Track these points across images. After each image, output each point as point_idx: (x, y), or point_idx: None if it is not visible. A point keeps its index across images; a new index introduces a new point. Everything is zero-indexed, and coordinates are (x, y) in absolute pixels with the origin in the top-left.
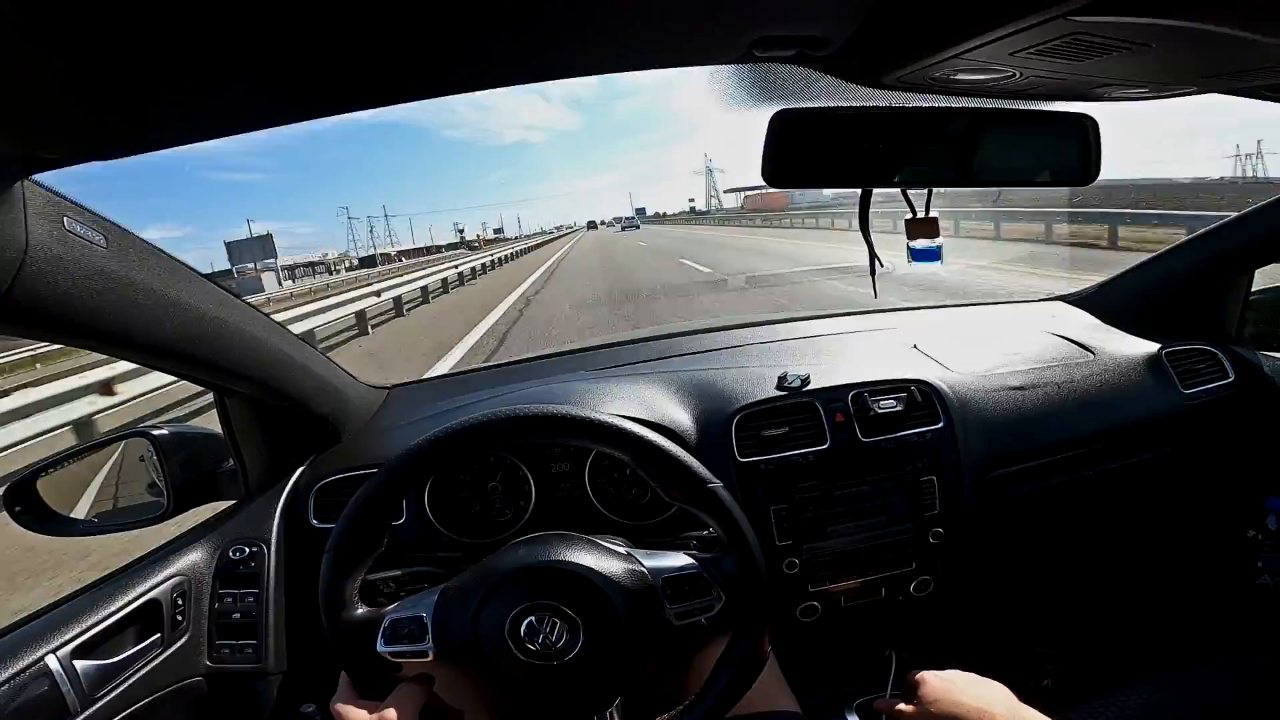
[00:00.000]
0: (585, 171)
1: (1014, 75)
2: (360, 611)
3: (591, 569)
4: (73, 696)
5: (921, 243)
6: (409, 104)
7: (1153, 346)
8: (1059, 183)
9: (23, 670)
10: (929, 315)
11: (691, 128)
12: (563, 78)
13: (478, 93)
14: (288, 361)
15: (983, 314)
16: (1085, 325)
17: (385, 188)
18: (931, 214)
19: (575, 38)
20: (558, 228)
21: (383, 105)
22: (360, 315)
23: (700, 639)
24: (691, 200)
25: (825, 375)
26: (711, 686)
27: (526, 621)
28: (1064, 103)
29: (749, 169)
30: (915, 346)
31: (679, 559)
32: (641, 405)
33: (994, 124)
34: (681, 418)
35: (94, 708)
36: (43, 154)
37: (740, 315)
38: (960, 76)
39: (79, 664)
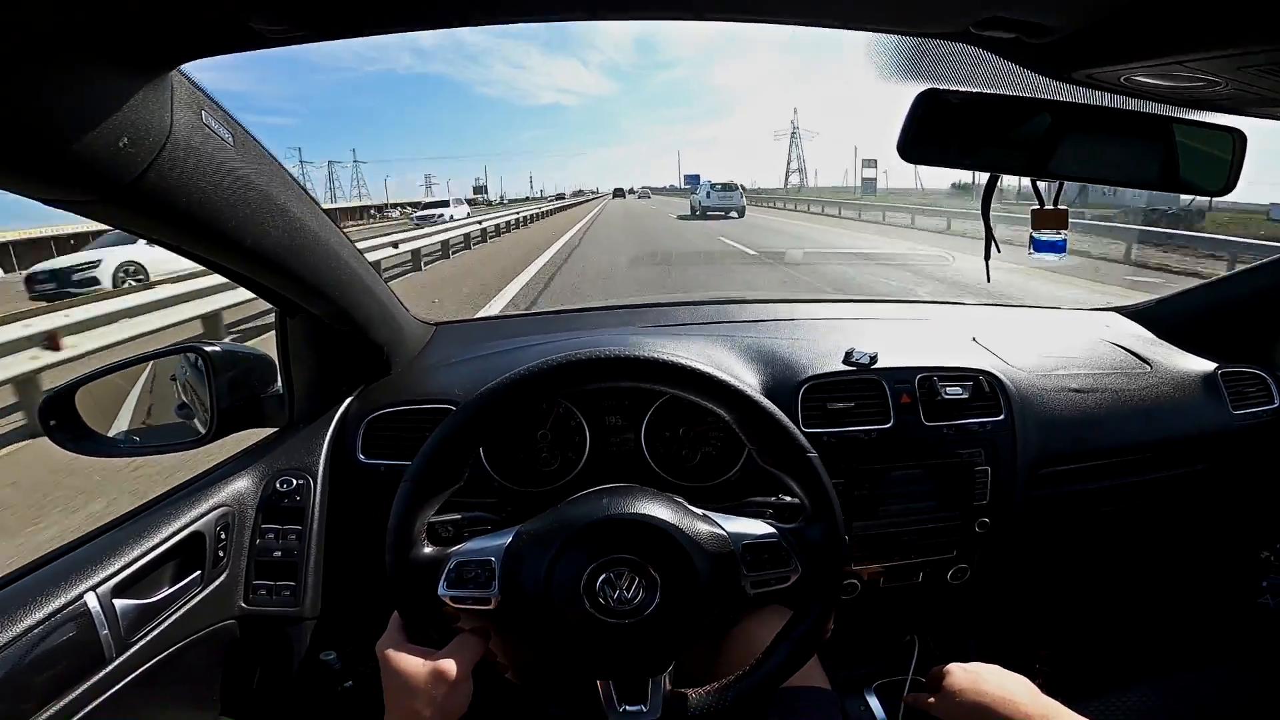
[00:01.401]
0: (617, 139)
1: (1214, 86)
2: (427, 550)
3: (677, 527)
4: (109, 641)
5: (1047, 234)
6: (447, 59)
7: (1209, 365)
8: (1194, 191)
9: (60, 609)
10: (985, 311)
11: (732, 102)
12: (770, 20)
13: (514, 53)
14: (360, 285)
15: (1039, 316)
16: (1141, 338)
17: (412, 137)
18: (1060, 206)
19: None
20: (577, 193)
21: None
22: None
23: (744, 610)
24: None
25: (891, 356)
26: (769, 658)
27: (604, 575)
28: (1240, 117)
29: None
30: (975, 339)
31: (760, 526)
32: (711, 364)
33: (1141, 126)
34: (750, 380)
35: (128, 653)
36: (193, 43)
37: (795, 291)
38: (1156, 81)
39: (118, 603)
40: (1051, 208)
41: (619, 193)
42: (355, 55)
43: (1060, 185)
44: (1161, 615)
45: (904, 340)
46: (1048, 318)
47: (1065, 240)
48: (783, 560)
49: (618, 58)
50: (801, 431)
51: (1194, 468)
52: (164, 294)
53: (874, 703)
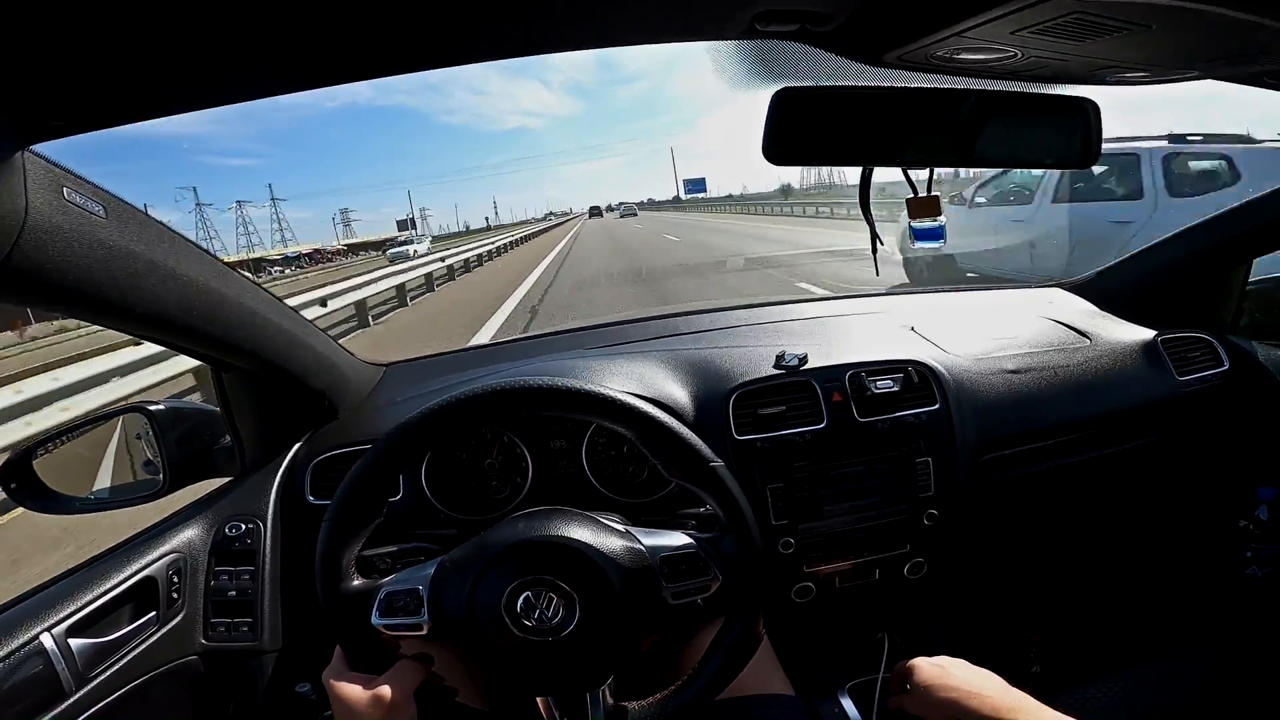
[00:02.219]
0: (585, 157)
1: (1016, 55)
2: (356, 583)
3: (589, 545)
4: (67, 675)
5: (924, 222)
6: (406, 89)
7: (1149, 333)
8: (1060, 165)
9: (17, 649)
10: (926, 299)
11: (695, 113)
12: (561, 50)
13: (475, 79)
14: (286, 336)
15: (980, 298)
16: (1083, 311)
17: (380, 171)
18: (932, 193)
19: (576, 11)
20: (552, 214)
21: (379, 76)
22: None
23: (695, 620)
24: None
25: (823, 355)
26: (704, 668)
27: (523, 596)
28: (1066, 85)
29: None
30: (912, 329)
31: (677, 538)
32: (640, 383)
33: (996, 105)
34: (679, 395)
35: (89, 687)
36: (41, 123)
37: (737, 297)
38: (962, 56)
39: (74, 642)
40: (925, 195)
41: (595, 212)
42: (314, 93)
43: (932, 173)
44: (1151, 594)
45: (837, 337)
46: (989, 300)
47: (943, 226)
48: (701, 570)
49: (580, 76)
50: (734, 439)
51: (1144, 439)
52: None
53: (847, 704)
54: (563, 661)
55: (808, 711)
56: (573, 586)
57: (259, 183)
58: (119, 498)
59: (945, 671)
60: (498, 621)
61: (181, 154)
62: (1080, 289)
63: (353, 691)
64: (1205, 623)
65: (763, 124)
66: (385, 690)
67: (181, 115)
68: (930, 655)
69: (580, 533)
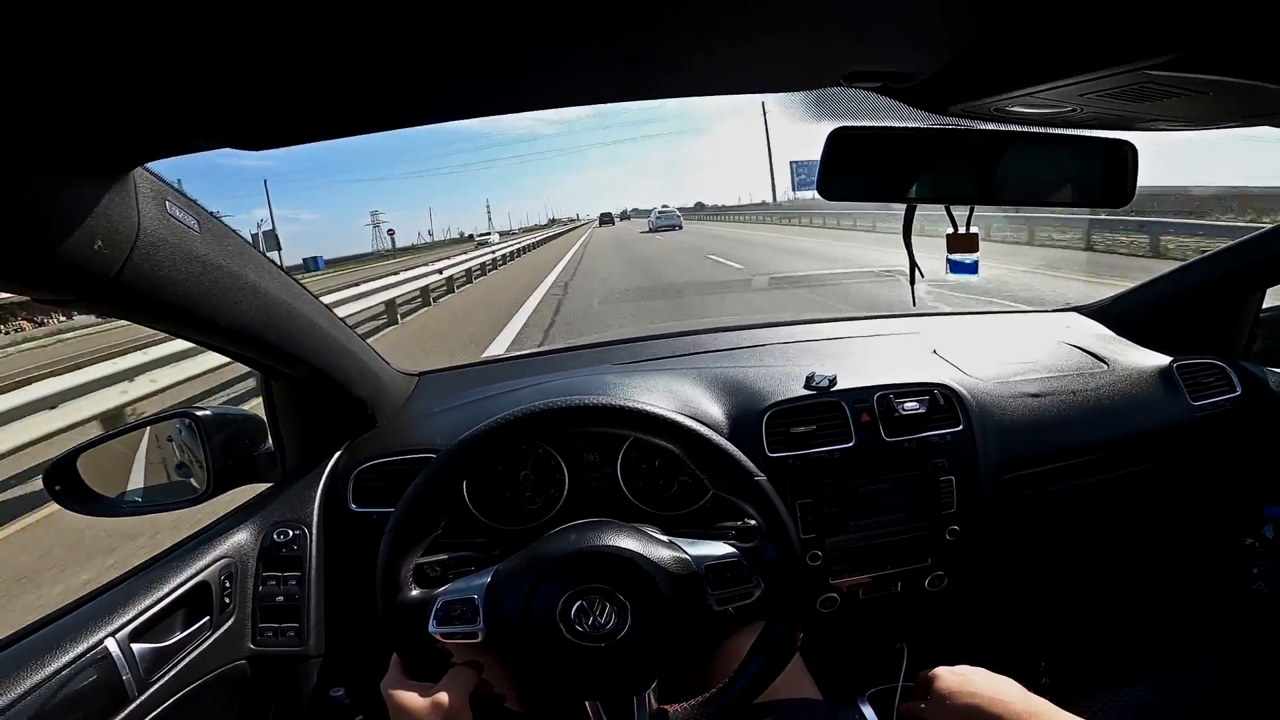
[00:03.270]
0: (601, 164)
1: (1074, 110)
2: (415, 593)
3: (640, 554)
4: (130, 681)
5: (961, 256)
6: None
7: (1164, 359)
8: (1094, 204)
9: (84, 654)
10: (948, 322)
11: (706, 121)
12: (655, 98)
13: None
14: (336, 345)
15: (1000, 322)
16: (1099, 336)
17: (393, 178)
18: (972, 230)
19: (672, 63)
20: (549, 223)
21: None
22: None
23: (731, 626)
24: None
25: (850, 377)
26: (744, 671)
27: (577, 604)
28: (1106, 130)
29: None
30: (935, 352)
31: (721, 548)
32: (676, 399)
33: (1038, 148)
34: (715, 412)
35: (149, 692)
36: (163, 139)
37: (763, 315)
38: (1023, 109)
39: (136, 647)
40: (964, 232)
41: (607, 219)
42: None
43: (971, 210)
44: (1157, 609)
45: (864, 359)
46: (1009, 323)
47: (977, 261)
48: (744, 578)
49: None
50: (766, 456)
51: (1158, 462)
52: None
53: (868, 711)
54: (614, 666)
55: (833, 716)
56: (625, 595)
57: (272, 180)
58: (161, 501)
59: (966, 679)
60: (553, 628)
61: (195, 160)
62: (1096, 314)
63: (412, 699)
64: (1212, 637)
65: (819, 160)
66: (444, 696)
67: None
68: (949, 665)
69: (630, 543)
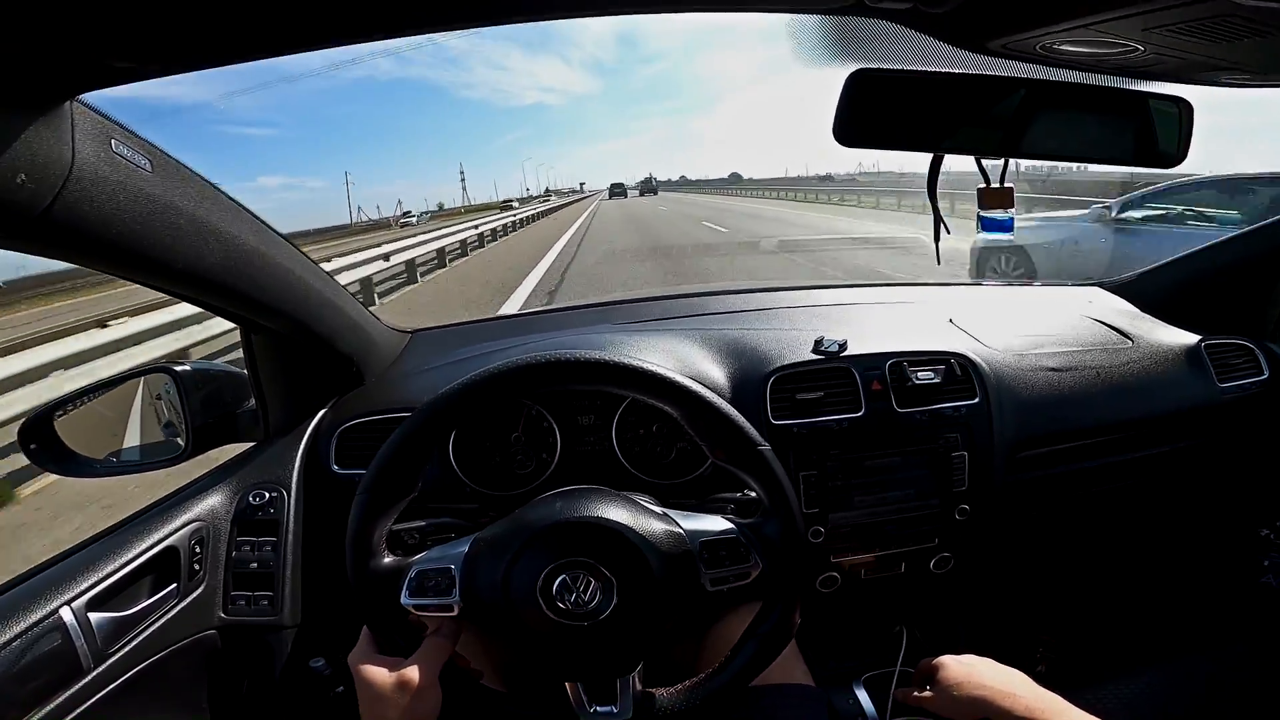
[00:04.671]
0: (606, 136)
1: (1135, 51)
2: (387, 560)
3: (629, 527)
4: (85, 652)
5: (994, 213)
6: (425, 63)
7: (1192, 338)
8: (1142, 163)
9: (36, 624)
10: (965, 291)
11: (716, 95)
12: (653, 11)
13: (496, 53)
14: (318, 298)
15: (1019, 294)
16: (1124, 312)
17: (398, 146)
18: (1006, 184)
19: None
20: (544, 195)
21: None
22: None
23: (722, 607)
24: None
25: (862, 342)
26: (737, 656)
27: (560, 578)
28: (1156, 83)
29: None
30: (951, 321)
31: (717, 522)
32: (675, 360)
33: (1088, 100)
34: (716, 375)
35: (106, 664)
36: (91, 69)
37: (769, 280)
38: (1072, 48)
39: (94, 616)
40: (997, 185)
41: (618, 190)
42: (331, 62)
43: (1006, 163)
44: (1163, 599)
45: (876, 325)
46: (1029, 295)
47: (1012, 218)
48: (742, 556)
49: (600, 54)
50: (770, 423)
51: (1180, 444)
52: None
53: (862, 695)
54: (597, 646)
55: (826, 702)
56: (611, 570)
57: (276, 152)
58: (141, 461)
59: (973, 670)
60: (533, 604)
61: (201, 123)
62: (1121, 289)
63: (379, 675)
64: (1215, 630)
65: (835, 104)
66: (412, 673)
67: (202, 85)
68: (948, 651)
69: (620, 514)
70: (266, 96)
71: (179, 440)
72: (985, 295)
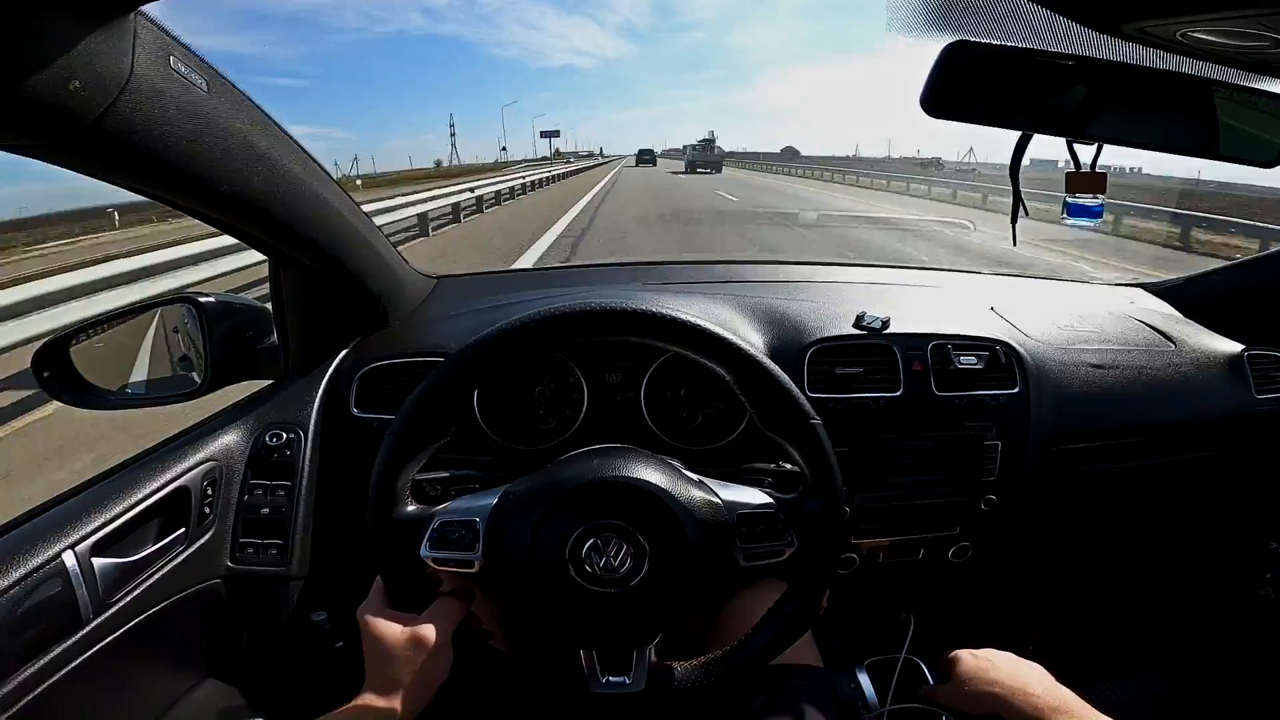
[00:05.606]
0: (638, 101)
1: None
2: (411, 509)
3: (669, 492)
4: (86, 600)
5: (1083, 198)
6: (457, 20)
7: (1235, 346)
8: (1241, 161)
9: (35, 570)
10: (1004, 281)
11: (753, 68)
12: None
13: (530, 13)
14: (354, 235)
15: (1059, 289)
16: (1166, 315)
17: (426, 100)
18: (1098, 169)
19: None
20: (544, 158)
21: None
22: None
23: (741, 582)
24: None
25: (904, 322)
26: (758, 634)
27: (590, 541)
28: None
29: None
30: (993, 309)
31: (757, 495)
32: (714, 323)
33: (1188, 89)
34: (755, 341)
35: (106, 614)
36: None
37: (809, 255)
38: (1212, 38)
39: (97, 562)
40: (1088, 171)
41: (646, 157)
42: (365, 16)
43: (1099, 148)
44: (1163, 604)
45: (918, 306)
46: (1069, 290)
47: (1103, 206)
48: (778, 533)
49: (635, 19)
50: (807, 395)
51: (1208, 452)
52: None
53: (864, 680)
54: (621, 615)
55: (832, 685)
56: (646, 536)
57: (306, 104)
58: (155, 394)
59: (989, 665)
60: (559, 566)
61: (233, 72)
62: (1164, 293)
63: (390, 631)
64: (1207, 638)
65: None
66: (425, 631)
67: (235, 33)
68: (953, 640)
69: (658, 477)
70: (298, 49)
71: (194, 375)
72: (1026, 286)
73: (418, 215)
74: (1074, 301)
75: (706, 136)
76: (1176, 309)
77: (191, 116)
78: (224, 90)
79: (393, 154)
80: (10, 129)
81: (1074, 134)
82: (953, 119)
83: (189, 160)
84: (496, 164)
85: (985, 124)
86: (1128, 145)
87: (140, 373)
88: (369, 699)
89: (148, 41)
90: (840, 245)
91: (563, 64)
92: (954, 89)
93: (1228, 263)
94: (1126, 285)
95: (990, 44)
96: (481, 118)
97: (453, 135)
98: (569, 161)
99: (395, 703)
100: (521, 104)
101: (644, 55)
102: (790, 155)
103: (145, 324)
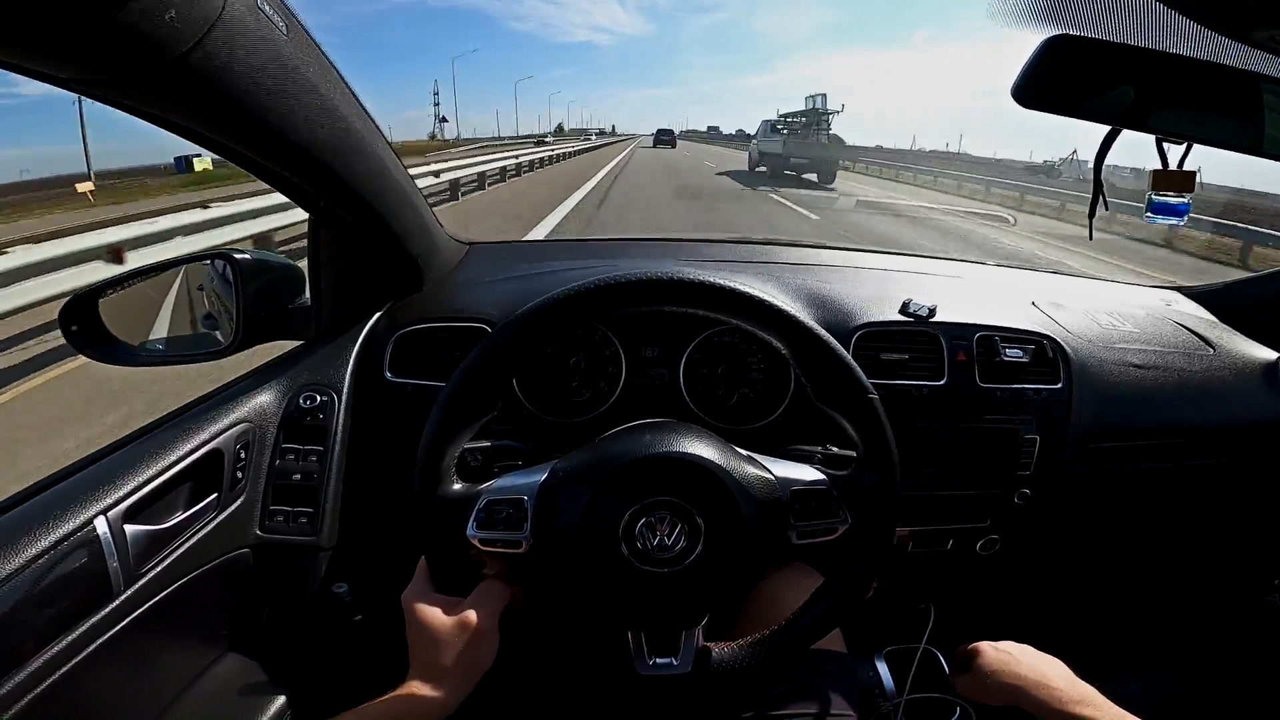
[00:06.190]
0: (650, 81)
1: None
2: (457, 487)
3: (724, 469)
4: (117, 571)
5: (1167, 196)
6: None
7: (1272, 354)
8: None
9: (66, 537)
10: (1044, 278)
11: (773, 53)
12: None
13: None
14: (400, 194)
15: (1098, 287)
16: (1203, 320)
17: (444, 72)
18: (1187, 168)
19: None
20: (541, 139)
21: None
22: None
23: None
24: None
25: (949, 311)
26: (804, 615)
27: (644, 520)
28: None
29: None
30: (1034, 304)
31: (809, 472)
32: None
33: None
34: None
35: (137, 585)
36: None
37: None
38: None
39: (130, 529)
40: (1176, 169)
41: (665, 137)
42: None
43: (1189, 146)
44: (1181, 604)
45: (961, 297)
46: (1108, 289)
47: (1189, 204)
48: (831, 510)
49: None
50: None
51: (1238, 458)
52: None
53: (883, 669)
54: (673, 595)
55: (854, 671)
56: (701, 514)
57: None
58: (184, 351)
59: (1012, 658)
60: (612, 546)
61: None
62: (1200, 297)
63: (436, 616)
64: (1213, 641)
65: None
66: (471, 617)
67: None
68: (973, 632)
69: (712, 453)
70: (319, 17)
71: (218, 335)
72: (1067, 284)
73: None
74: (1113, 300)
75: (815, 109)
76: (1213, 314)
77: (272, 60)
78: (299, 36)
79: (411, 124)
80: (99, 59)
81: (1166, 132)
82: (1044, 109)
83: (267, 104)
84: (434, 141)
85: (1074, 116)
86: (1222, 147)
87: (162, 330)
88: (414, 686)
89: None
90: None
91: (582, 40)
92: (1050, 81)
93: (1267, 271)
94: (1163, 288)
95: (1093, 39)
96: (496, 93)
97: (437, 106)
98: (541, 142)
99: (441, 690)
100: (537, 79)
101: (663, 34)
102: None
103: (170, 281)
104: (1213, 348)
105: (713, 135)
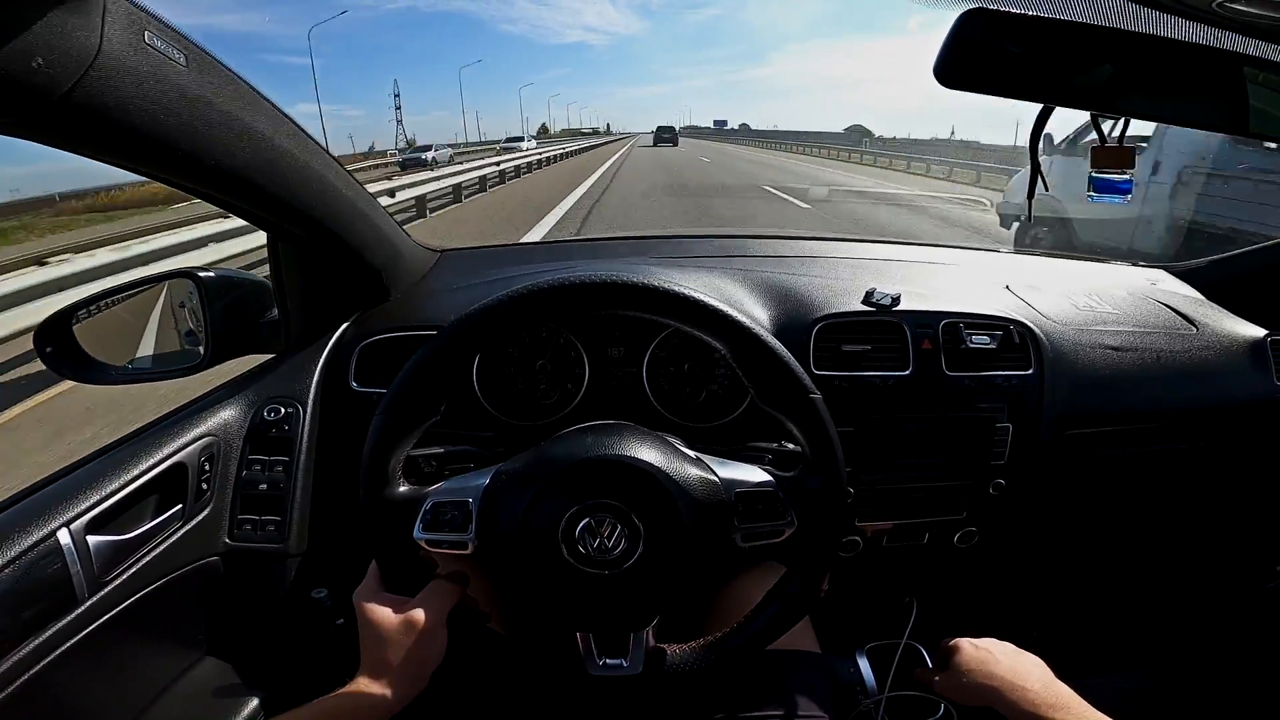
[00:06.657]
0: (644, 79)
1: None
2: (402, 489)
3: (664, 471)
4: (81, 579)
5: (1109, 174)
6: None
7: (1259, 331)
8: (1271, 138)
9: (30, 548)
10: (1021, 259)
11: (767, 46)
12: None
13: None
14: (350, 208)
15: (1078, 268)
16: (1189, 298)
17: (437, 76)
18: (1125, 144)
19: None
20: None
21: None
22: None
23: (739, 565)
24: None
25: (915, 299)
26: (756, 617)
27: (584, 521)
28: None
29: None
30: (1008, 287)
31: (755, 473)
32: (718, 296)
33: (1221, 63)
34: (760, 316)
35: (102, 592)
36: None
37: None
38: (1250, 8)
39: (93, 539)
40: (1115, 145)
41: (665, 135)
42: None
43: (1126, 121)
44: (1170, 595)
45: (930, 283)
46: (1088, 269)
47: (1131, 181)
48: (778, 512)
49: None
50: (812, 373)
51: (1226, 439)
52: None
53: (864, 665)
54: (616, 598)
55: (831, 671)
56: (640, 516)
57: (320, 80)
58: (158, 369)
59: (991, 657)
60: (552, 547)
61: (245, 51)
62: (1187, 275)
63: (384, 614)
64: (1212, 630)
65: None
66: (419, 615)
67: (245, 11)
68: (954, 627)
69: (653, 455)
70: (305, 27)
71: (200, 350)
72: (1043, 265)
73: None
74: (1093, 281)
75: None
76: (1200, 292)
77: (167, 91)
78: (204, 64)
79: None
80: None
81: (1099, 107)
82: (967, 89)
83: (167, 134)
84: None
85: (1003, 96)
86: (1154, 120)
87: (147, 348)
88: (362, 683)
89: (119, 17)
90: None
91: (574, 40)
92: (969, 59)
93: (1255, 246)
94: (1149, 266)
95: (1010, 12)
96: (498, 95)
97: (398, 109)
98: (506, 150)
99: (388, 687)
100: (533, 81)
101: (656, 32)
102: (858, 137)
103: (151, 300)
104: (1196, 327)
105: (725, 131)
